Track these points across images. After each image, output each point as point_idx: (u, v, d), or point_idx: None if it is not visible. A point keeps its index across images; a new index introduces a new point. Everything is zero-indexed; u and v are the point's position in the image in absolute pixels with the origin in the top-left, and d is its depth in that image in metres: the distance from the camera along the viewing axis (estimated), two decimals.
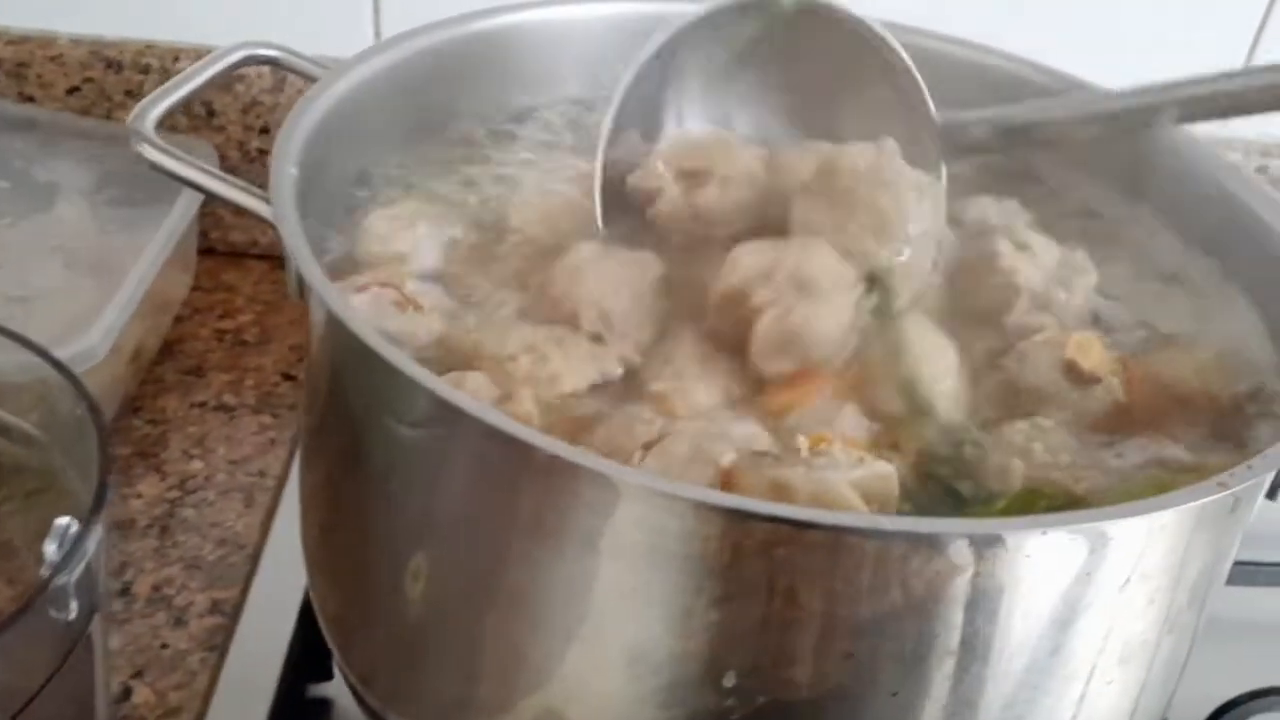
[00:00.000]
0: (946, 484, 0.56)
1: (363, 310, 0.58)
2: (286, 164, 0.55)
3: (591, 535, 0.47)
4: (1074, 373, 0.60)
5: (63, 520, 0.48)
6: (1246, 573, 0.78)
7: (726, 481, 0.51)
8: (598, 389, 0.59)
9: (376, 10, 0.98)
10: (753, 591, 0.47)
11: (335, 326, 0.51)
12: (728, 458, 0.52)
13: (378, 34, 0.99)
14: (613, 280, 0.61)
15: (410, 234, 0.64)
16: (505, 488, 0.49)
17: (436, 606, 0.55)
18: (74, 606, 0.48)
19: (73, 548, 0.47)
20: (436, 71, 0.71)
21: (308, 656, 0.71)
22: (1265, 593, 0.79)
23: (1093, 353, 0.60)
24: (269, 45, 0.69)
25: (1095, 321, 0.66)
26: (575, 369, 0.58)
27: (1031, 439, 0.56)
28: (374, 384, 0.52)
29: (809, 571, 0.46)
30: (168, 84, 0.61)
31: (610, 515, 0.46)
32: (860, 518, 0.48)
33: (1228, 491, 0.47)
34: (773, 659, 0.49)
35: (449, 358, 0.58)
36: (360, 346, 0.49)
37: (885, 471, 0.53)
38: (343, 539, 0.61)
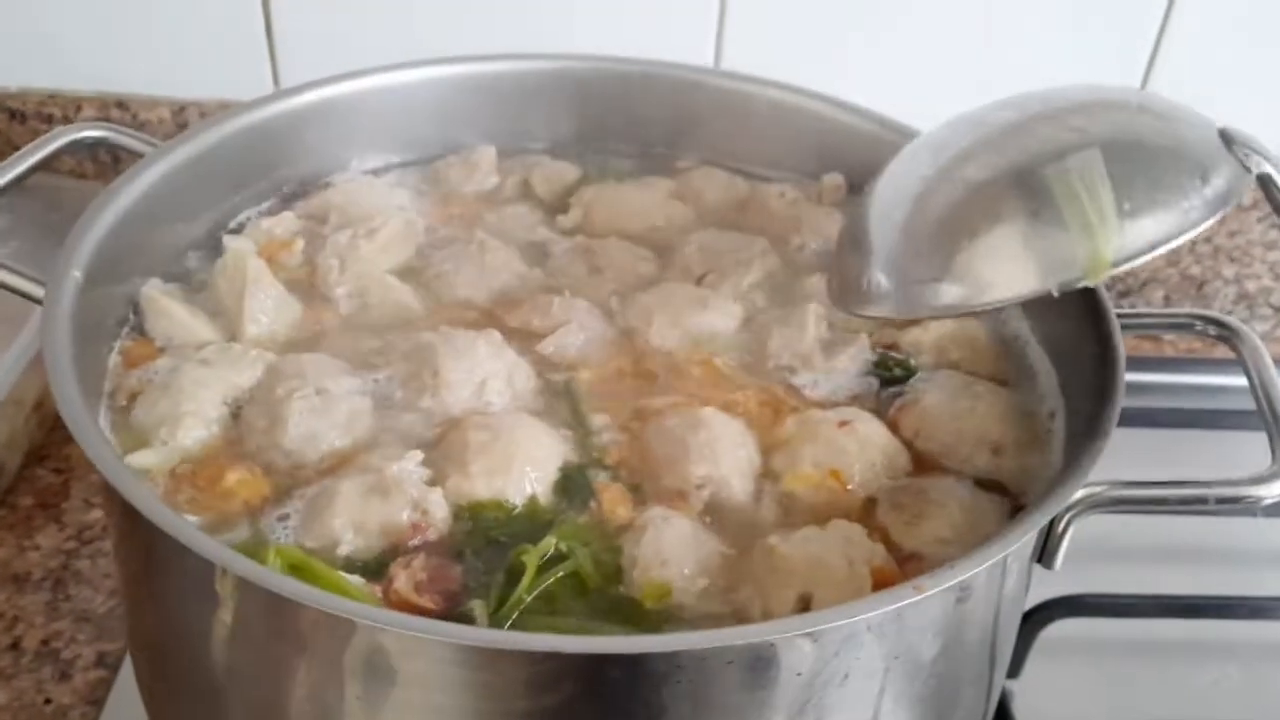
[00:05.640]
0: None
1: None
2: (71, 268, 0.56)
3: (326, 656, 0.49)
4: None
5: None
6: None
7: None
8: None
9: (273, 56, 0.99)
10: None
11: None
12: None
13: (275, 77, 1.00)
14: None
15: None
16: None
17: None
18: None
19: None
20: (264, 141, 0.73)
21: None
22: None
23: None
24: (97, 126, 0.72)
25: None
26: None
27: None
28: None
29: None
30: None
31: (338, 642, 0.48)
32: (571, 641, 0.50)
33: (923, 595, 0.47)
34: None
35: None
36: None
37: None
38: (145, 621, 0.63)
